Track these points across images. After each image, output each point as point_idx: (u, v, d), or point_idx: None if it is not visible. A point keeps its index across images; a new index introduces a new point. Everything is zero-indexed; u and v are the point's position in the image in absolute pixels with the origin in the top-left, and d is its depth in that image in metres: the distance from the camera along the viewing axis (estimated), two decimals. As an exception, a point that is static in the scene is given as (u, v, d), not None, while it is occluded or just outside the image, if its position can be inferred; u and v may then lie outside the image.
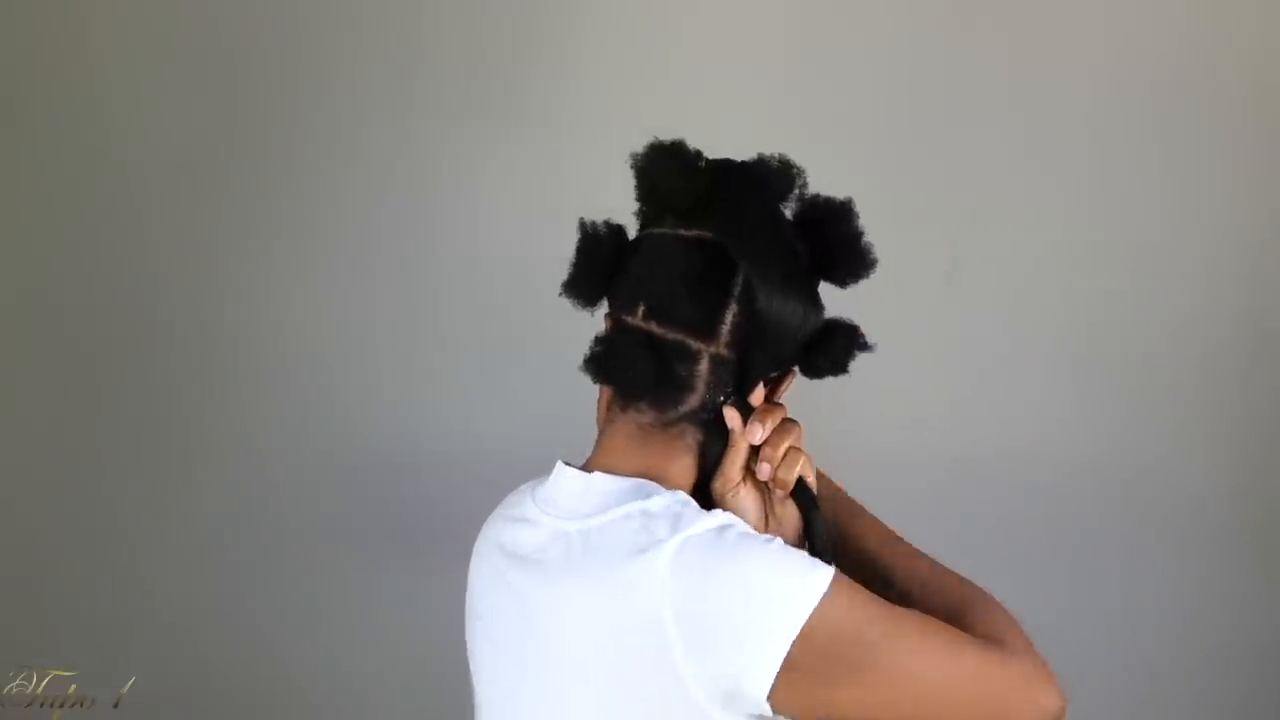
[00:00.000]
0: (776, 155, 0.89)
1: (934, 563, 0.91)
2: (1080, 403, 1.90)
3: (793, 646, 0.74)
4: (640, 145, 0.89)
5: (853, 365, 0.90)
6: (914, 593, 0.87)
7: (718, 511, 0.82)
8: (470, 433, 1.86)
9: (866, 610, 0.77)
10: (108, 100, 1.83)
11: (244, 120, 1.84)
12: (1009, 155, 1.86)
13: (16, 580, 1.86)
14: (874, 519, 0.96)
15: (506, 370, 1.86)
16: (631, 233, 0.92)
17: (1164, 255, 1.88)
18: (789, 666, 0.74)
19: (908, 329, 1.80)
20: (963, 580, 0.89)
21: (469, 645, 0.96)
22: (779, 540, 0.80)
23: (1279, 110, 1.86)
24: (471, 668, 0.95)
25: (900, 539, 0.94)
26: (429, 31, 1.83)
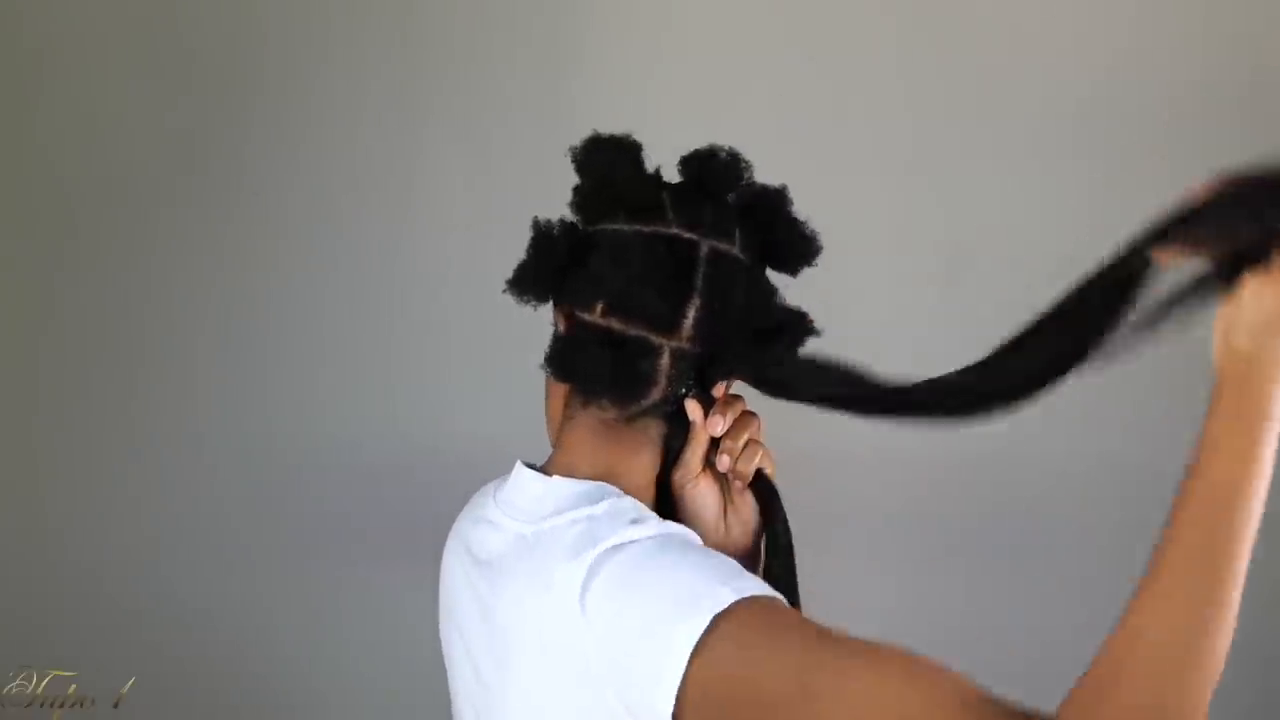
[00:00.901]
0: (726, 147, 0.89)
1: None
2: (1079, 403, 1.89)
3: (680, 693, 0.71)
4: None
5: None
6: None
7: (649, 520, 0.82)
8: (470, 433, 1.86)
9: (766, 655, 0.70)
10: (112, 98, 1.83)
11: (249, 118, 1.84)
12: (1009, 155, 1.87)
13: (16, 580, 1.86)
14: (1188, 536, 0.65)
15: (506, 370, 1.86)
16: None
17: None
18: (683, 709, 0.71)
19: (907, 329, 1.80)
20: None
21: (442, 638, 0.97)
22: (693, 554, 0.78)
23: (1276, 111, 1.86)
24: (446, 662, 0.97)
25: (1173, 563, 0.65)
26: (425, 28, 1.83)
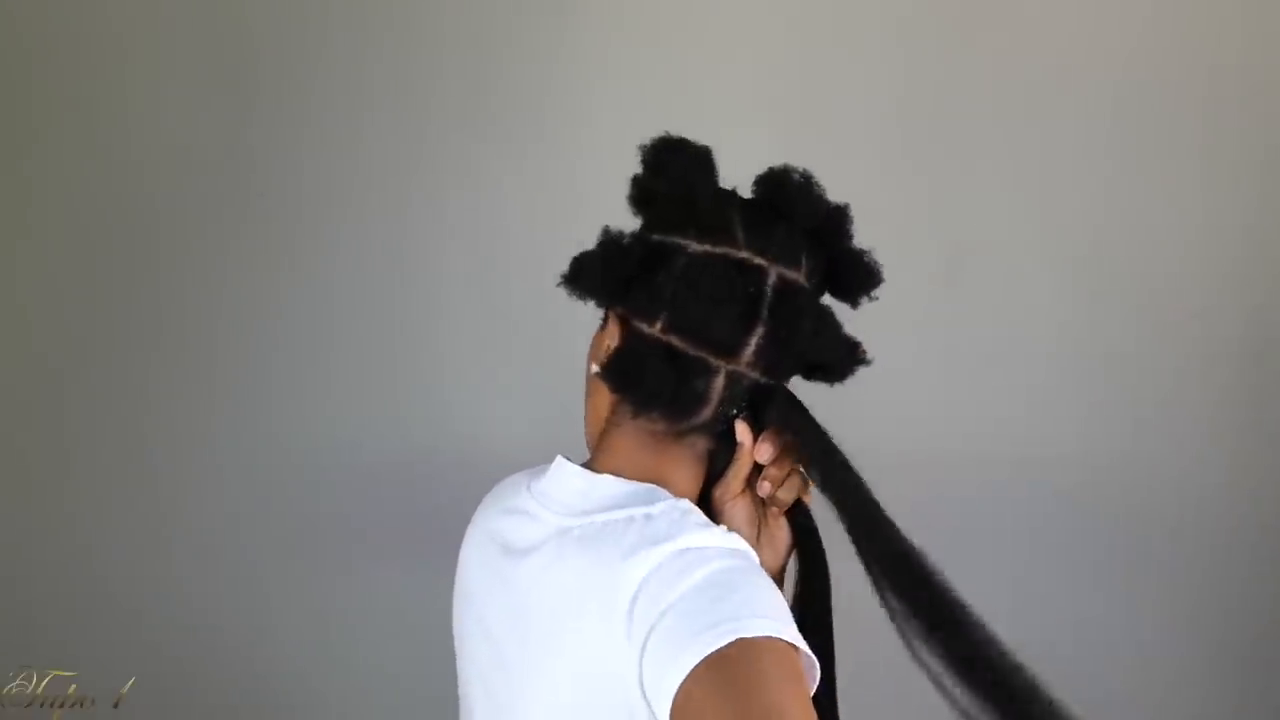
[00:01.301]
0: (800, 169, 0.88)
1: None
2: (1079, 402, 1.90)
3: (672, 711, 0.72)
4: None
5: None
6: None
7: (713, 526, 0.82)
8: (470, 433, 1.86)
9: (737, 706, 0.69)
10: (114, 100, 1.83)
11: (252, 120, 1.84)
12: (1009, 155, 1.87)
13: (16, 580, 1.86)
14: None
15: (507, 371, 1.86)
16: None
17: (1163, 254, 1.88)
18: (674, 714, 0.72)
19: (907, 329, 1.80)
20: None
21: (457, 625, 0.97)
22: (756, 579, 0.78)
23: (1276, 110, 1.86)
24: (458, 650, 0.96)
25: None
26: (439, 34, 1.83)
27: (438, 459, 1.84)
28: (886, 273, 0.91)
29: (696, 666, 0.70)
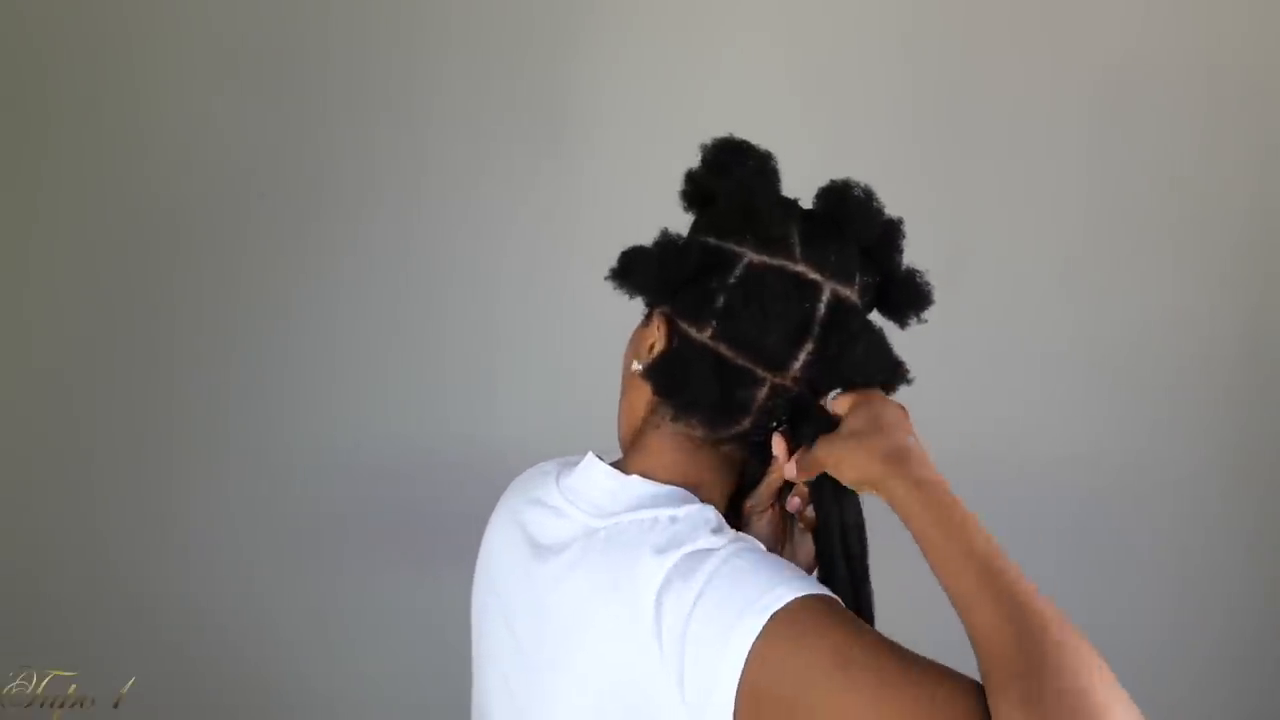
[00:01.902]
0: (861, 184, 0.88)
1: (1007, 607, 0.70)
2: (1078, 402, 1.90)
3: (737, 697, 0.72)
4: (694, 147, 0.88)
5: None
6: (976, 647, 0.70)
7: (730, 531, 0.82)
8: (470, 434, 1.86)
9: (810, 658, 0.71)
10: (121, 103, 1.83)
11: (255, 122, 1.84)
12: (1009, 156, 1.87)
13: (16, 580, 1.86)
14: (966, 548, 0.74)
15: (507, 374, 1.86)
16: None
17: (1162, 254, 1.88)
18: (741, 707, 0.73)
19: (907, 329, 1.80)
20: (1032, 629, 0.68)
21: (478, 619, 0.96)
22: (763, 560, 0.79)
23: (1275, 111, 1.86)
24: (477, 645, 0.96)
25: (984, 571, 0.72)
26: (445, 35, 1.83)
27: (438, 460, 1.84)
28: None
29: (750, 651, 0.72)
